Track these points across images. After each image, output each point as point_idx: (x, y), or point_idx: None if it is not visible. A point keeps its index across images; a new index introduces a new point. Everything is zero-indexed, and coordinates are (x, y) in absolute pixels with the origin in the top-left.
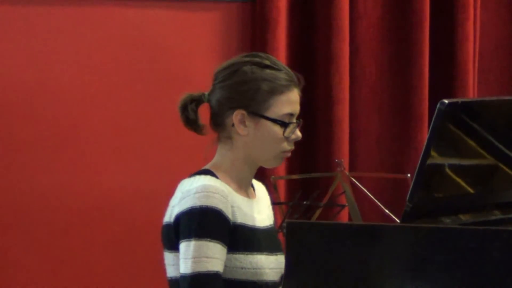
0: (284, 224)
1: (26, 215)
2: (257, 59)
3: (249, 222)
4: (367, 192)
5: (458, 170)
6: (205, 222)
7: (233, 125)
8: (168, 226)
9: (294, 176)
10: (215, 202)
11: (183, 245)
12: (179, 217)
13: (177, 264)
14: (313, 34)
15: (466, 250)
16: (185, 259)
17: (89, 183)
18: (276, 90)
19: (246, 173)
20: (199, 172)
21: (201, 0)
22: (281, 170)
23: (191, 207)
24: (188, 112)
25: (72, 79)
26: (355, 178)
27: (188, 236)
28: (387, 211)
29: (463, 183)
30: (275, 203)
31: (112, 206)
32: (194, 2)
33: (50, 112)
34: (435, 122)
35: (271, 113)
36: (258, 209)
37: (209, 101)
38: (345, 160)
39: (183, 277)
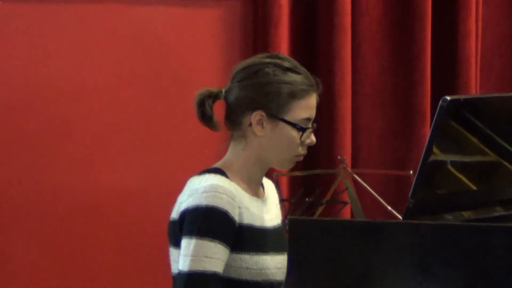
0: (286, 221)
1: (27, 214)
2: (279, 61)
3: (257, 222)
4: (370, 189)
5: (461, 166)
6: (209, 222)
7: (250, 124)
8: (174, 222)
9: (296, 173)
10: (222, 203)
11: (184, 242)
12: (185, 214)
13: None
14: (315, 30)
15: (469, 246)
16: (184, 256)
17: (90, 182)
18: (296, 95)
19: (256, 173)
20: (209, 170)
21: None
22: None
23: (197, 205)
24: (205, 108)
25: (72, 77)
26: (357, 175)
27: (191, 233)
28: (389, 207)
29: (465, 180)
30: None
31: (112, 205)
32: None
33: (50, 110)
34: (437, 119)
35: (289, 117)
36: (267, 209)
37: (226, 98)
38: (347, 157)
39: (180, 274)
